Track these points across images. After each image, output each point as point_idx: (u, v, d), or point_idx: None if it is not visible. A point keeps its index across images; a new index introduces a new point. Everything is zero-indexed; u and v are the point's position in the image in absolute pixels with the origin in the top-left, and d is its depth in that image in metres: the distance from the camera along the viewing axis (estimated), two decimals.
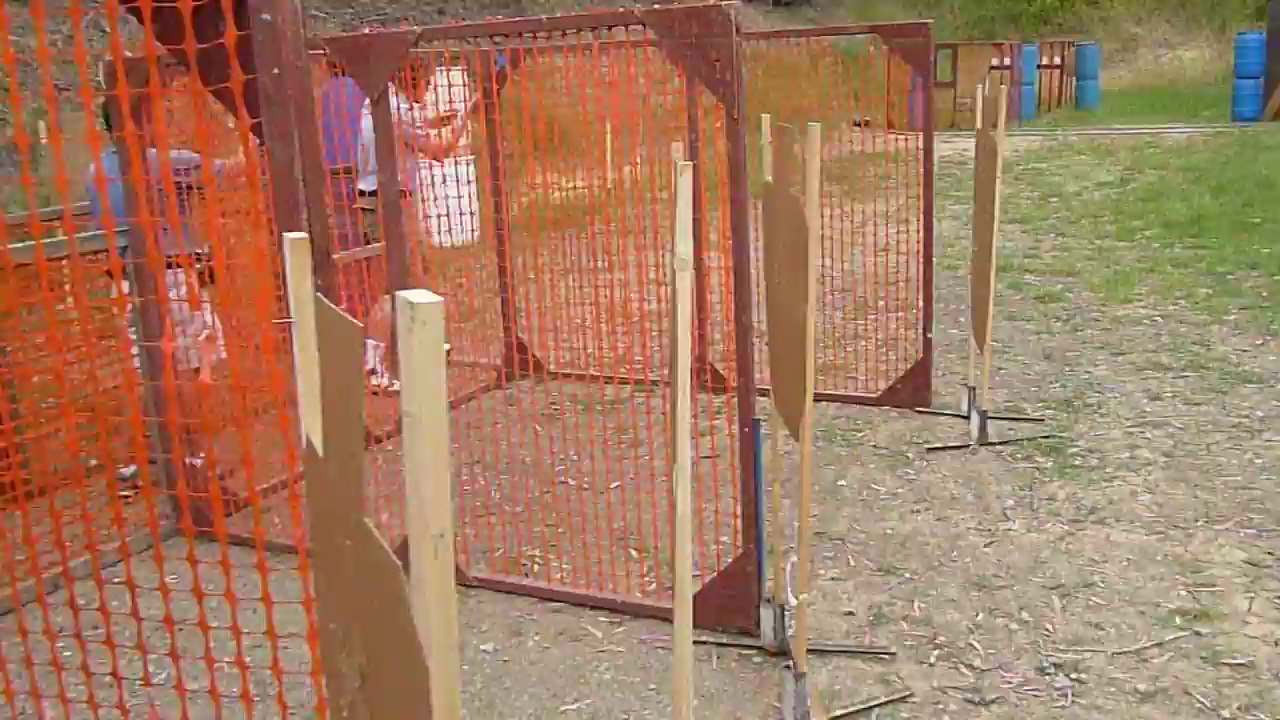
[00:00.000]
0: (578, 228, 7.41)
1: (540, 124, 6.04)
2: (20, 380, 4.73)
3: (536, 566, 4.34)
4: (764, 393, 3.60)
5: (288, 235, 1.30)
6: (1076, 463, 5.03)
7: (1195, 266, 8.62)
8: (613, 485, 4.91)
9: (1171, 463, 4.96)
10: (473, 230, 7.49)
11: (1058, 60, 26.05)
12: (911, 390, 5.84)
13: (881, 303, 7.61)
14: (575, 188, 7.51)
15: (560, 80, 6.97)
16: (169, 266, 4.86)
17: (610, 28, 3.51)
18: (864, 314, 7.71)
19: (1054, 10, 36.42)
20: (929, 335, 5.79)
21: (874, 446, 5.40)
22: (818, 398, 6.06)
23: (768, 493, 3.58)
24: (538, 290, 6.78)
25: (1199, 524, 4.36)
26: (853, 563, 4.22)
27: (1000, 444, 5.28)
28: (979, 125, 5.18)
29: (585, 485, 5.03)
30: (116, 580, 3.27)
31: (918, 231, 5.87)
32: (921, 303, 5.84)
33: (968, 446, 5.28)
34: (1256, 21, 22.65)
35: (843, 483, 4.98)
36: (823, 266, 6.96)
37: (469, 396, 6.53)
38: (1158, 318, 7.28)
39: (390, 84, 3.90)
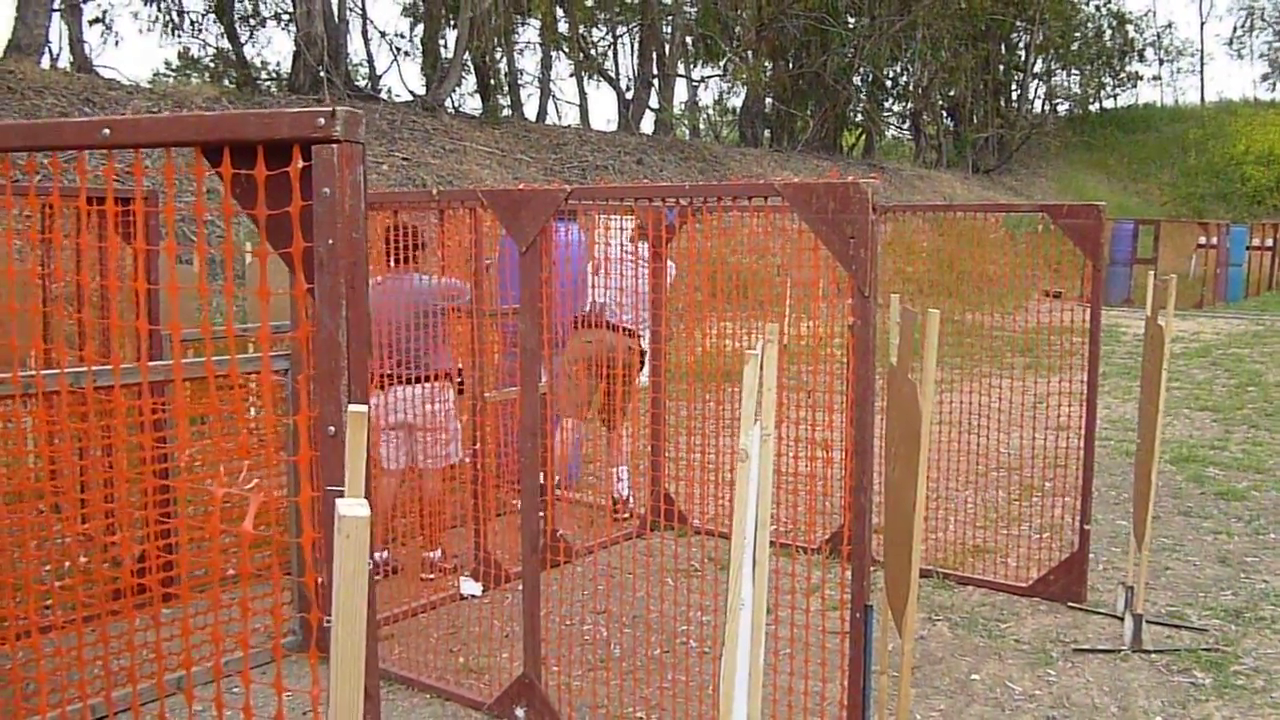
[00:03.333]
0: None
1: (719, 274, 6.12)
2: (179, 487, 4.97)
3: None
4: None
5: (351, 408, 1.32)
6: (1239, 682, 4.62)
7: None
8: None
9: None
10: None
11: (1270, 242, 25.00)
12: (1065, 583, 5.52)
13: (1049, 485, 7.28)
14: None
15: (745, 233, 7.05)
16: (425, 380, 5.29)
17: (750, 198, 3.54)
18: (1028, 496, 7.38)
19: (1269, 191, 35.12)
20: (1086, 527, 5.48)
21: (1016, 641, 5.09)
22: (963, 582, 5.81)
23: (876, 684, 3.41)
24: (698, 442, 6.76)
25: None
26: None
27: (1155, 652, 4.90)
28: (1148, 314, 4.97)
29: (707, 649, 4.90)
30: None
31: (1086, 413, 5.62)
32: (1081, 491, 5.54)
33: (1119, 651, 4.92)
34: None
35: (976, 678, 4.70)
36: (991, 442, 6.74)
37: (610, 542, 6.51)
38: None
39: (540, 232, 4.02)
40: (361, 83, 22.75)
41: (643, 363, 6.85)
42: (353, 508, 0.85)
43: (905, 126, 39.69)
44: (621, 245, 6.32)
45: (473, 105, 24.00)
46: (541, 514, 4.30)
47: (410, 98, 21.55)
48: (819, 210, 3.30)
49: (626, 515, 6.88)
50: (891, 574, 3.13)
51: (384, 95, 22.36)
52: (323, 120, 1.52)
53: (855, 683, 3.45)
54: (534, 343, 4.13)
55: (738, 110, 33.30)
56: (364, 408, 1.29)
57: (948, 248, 10.19)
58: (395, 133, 17.45)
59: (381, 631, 5.12)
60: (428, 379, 5.42)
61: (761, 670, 2.19)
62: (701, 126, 34.13)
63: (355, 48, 39.30)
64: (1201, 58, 78.98)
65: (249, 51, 25.45)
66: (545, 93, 25.79)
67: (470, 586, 5.16)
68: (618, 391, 6.84)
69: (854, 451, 3.37)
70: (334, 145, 1.52)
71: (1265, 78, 53.73)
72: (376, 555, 5.52)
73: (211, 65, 25.47)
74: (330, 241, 1.46)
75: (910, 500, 2.74)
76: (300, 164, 1.54)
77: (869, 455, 3.37)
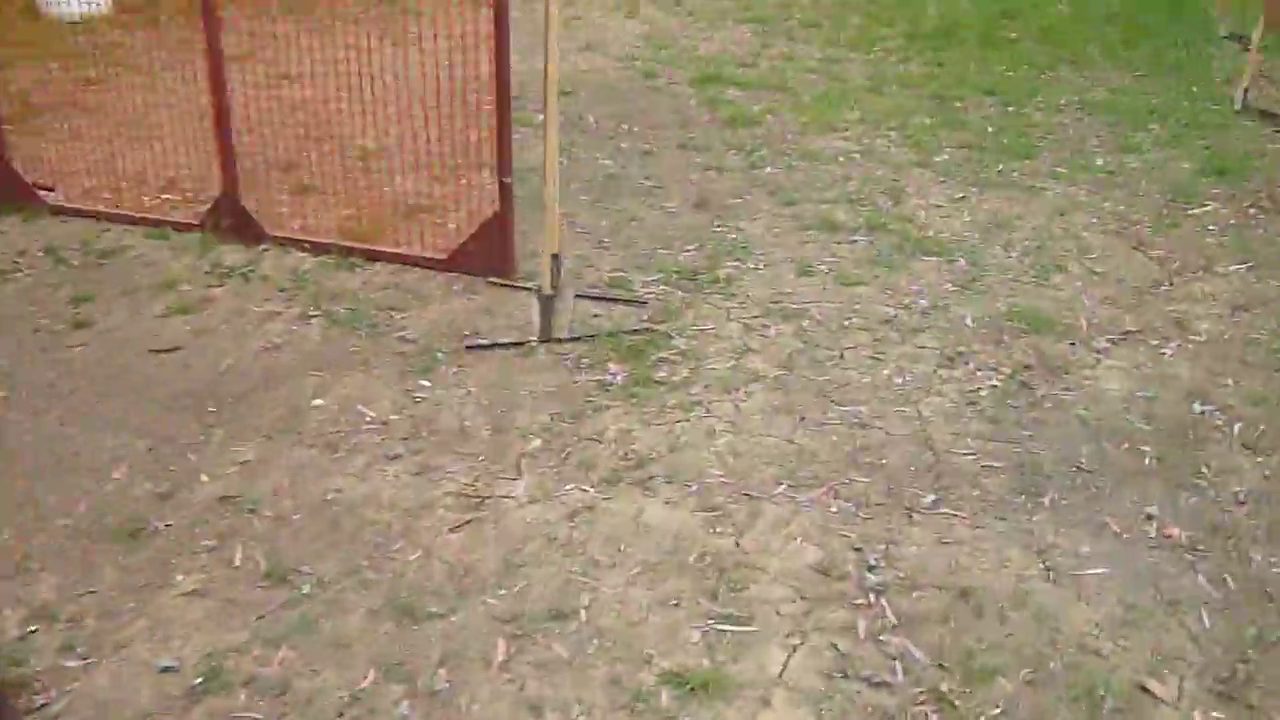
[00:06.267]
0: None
1: None
2: None
3: None
4: None
5: None
6: (658, 376, 3.62)
7: (925, 88, 7.23)
8: None
9: (783, 381, 3.61)
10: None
11: None
12: (487, 254, 4.30)
13: (541, 118, 5.96)
14: None
15: None
16: None
17: None
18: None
19: None
20: (506, 180, 4.21)
21: (401, 339, 3.86)
22: (374, 257, 4.47)
23: None
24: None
25: (778, 491, 3.04)
26: (239, 562, 2.74)
27: (570, 340, 3.82)
28: None
29: None
30: None
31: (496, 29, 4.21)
32: (498, 137, 4.22)
33: (524, 344, 3.80)
34: None
35: (319, 403, 3.44)
36: (468, 72, 5.23)
37: None
38: (856, 154, 5.87)
39: None
40: None
41: None
42: None
43: None
44: None
45: None
46: None
47: None
48: None
49: None
50: None
51: None
52: None
53: None
54: None
55: None
56: None
57: None
58: None
59: None
60: None
61: None
62: None
63: None
64: None
65: None
66: None
67: None
68: None
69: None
70: None
71: None
72: None
73: None
74: None
75: None
76: None
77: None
